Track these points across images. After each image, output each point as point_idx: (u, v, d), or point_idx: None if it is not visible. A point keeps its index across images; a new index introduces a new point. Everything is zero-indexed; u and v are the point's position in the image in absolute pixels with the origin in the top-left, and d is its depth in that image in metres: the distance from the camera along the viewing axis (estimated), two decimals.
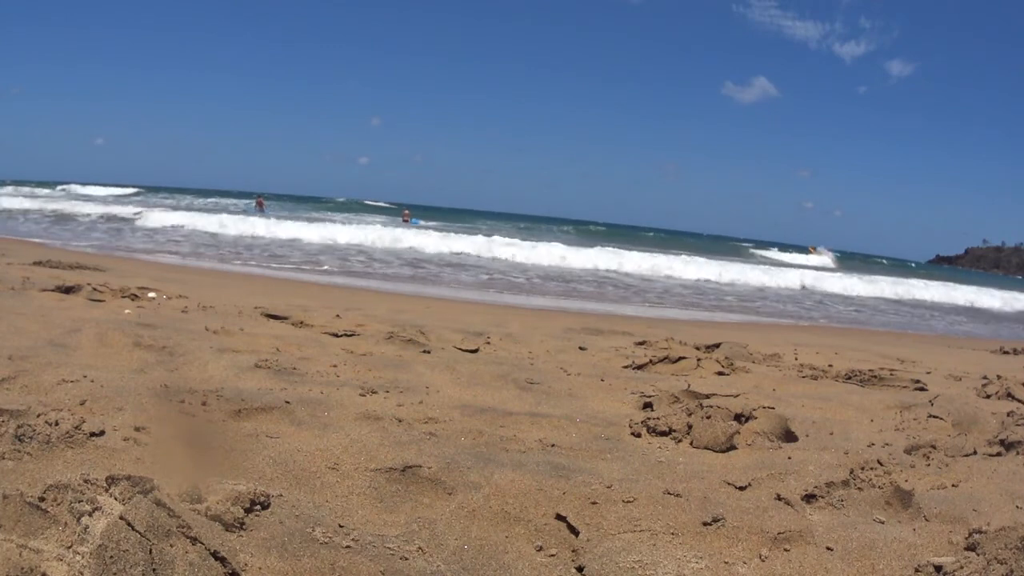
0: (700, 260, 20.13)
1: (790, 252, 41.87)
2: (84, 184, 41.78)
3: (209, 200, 36.93)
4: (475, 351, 4.49)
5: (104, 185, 42.08)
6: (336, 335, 4.55)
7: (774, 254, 39.72)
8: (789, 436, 2.93)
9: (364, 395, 3.08)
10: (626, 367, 4.38)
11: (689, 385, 3.66)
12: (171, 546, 1.48)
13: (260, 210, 28.70)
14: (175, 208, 25.32)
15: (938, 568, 1.79)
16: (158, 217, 19.49)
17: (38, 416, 2.19)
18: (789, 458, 2.63)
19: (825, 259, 34.99)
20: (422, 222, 29.91)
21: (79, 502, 1.49)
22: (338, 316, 5.32)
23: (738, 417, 2.91)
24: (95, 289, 5.34)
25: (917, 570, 1.82)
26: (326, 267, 12.36)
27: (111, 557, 1.39)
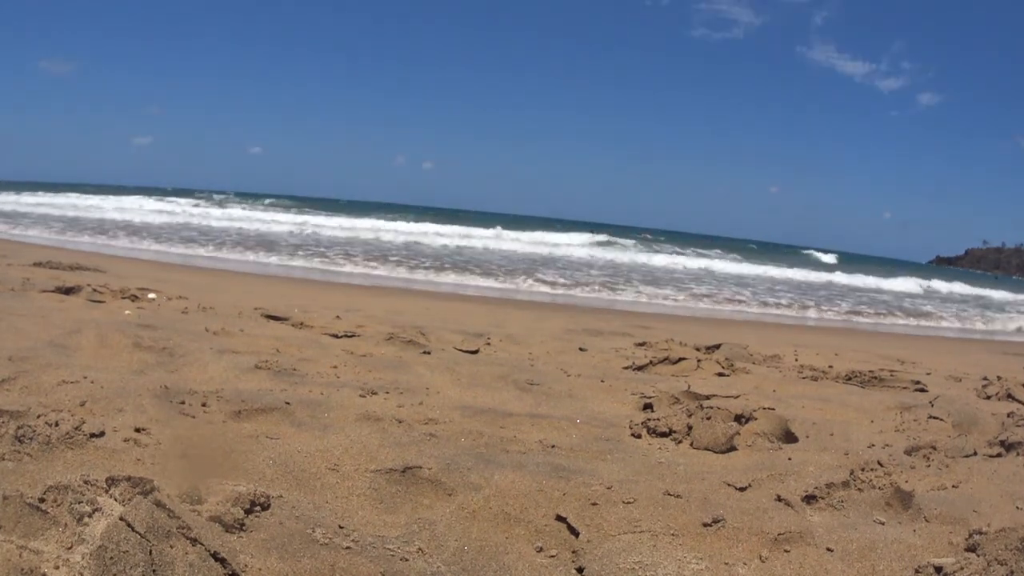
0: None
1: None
2: None
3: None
4: (475, 352, 4.48)
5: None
6: (336, 336, 4.55)
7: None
8: (789, 437, 2.93)
9: (364, 396, 3.08)
10: (626, 368, 4.38)
11: (689, 386, 3.66)
12: (171, 547, 1.48)
13: None
14: None
15: (938, 569, 1.78)
16: None
17: (38, 417, 2.18)
18: (789, 459, 2.62)
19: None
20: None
21: (79, 503, 1.49)
22: (338, 317, 5.32)
23: (738, 418, 2.91)
24: (95, 290, 5.34)
25: (917, 571, 1.82)
26: None
27: (111, 558, 1.39)
